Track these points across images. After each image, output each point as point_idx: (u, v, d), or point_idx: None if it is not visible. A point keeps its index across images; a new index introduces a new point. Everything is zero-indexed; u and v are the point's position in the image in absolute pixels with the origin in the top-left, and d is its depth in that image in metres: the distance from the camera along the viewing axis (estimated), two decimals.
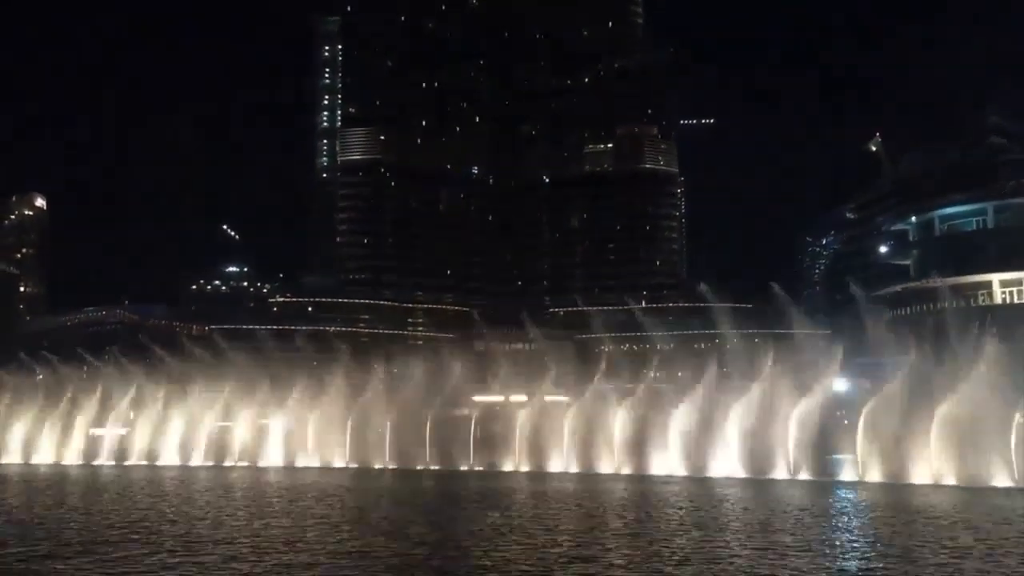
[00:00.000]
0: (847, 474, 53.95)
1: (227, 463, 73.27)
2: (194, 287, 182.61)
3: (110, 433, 79.56)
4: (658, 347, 70.48)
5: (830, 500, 42.78)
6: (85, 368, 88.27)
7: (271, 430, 74.49)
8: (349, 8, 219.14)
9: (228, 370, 76.80)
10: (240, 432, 75.18)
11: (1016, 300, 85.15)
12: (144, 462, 75.80)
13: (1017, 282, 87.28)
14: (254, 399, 74.41)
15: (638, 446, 60.43)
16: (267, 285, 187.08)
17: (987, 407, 49.20)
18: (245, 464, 72.25)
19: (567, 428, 63.01)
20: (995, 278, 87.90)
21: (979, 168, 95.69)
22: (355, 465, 68.37)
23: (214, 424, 75.62)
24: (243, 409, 75.20)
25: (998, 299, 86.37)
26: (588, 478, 56.78)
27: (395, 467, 66.67)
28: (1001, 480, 48.82)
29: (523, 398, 71.60)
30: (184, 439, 76.07)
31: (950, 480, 49.96)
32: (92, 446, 79.87)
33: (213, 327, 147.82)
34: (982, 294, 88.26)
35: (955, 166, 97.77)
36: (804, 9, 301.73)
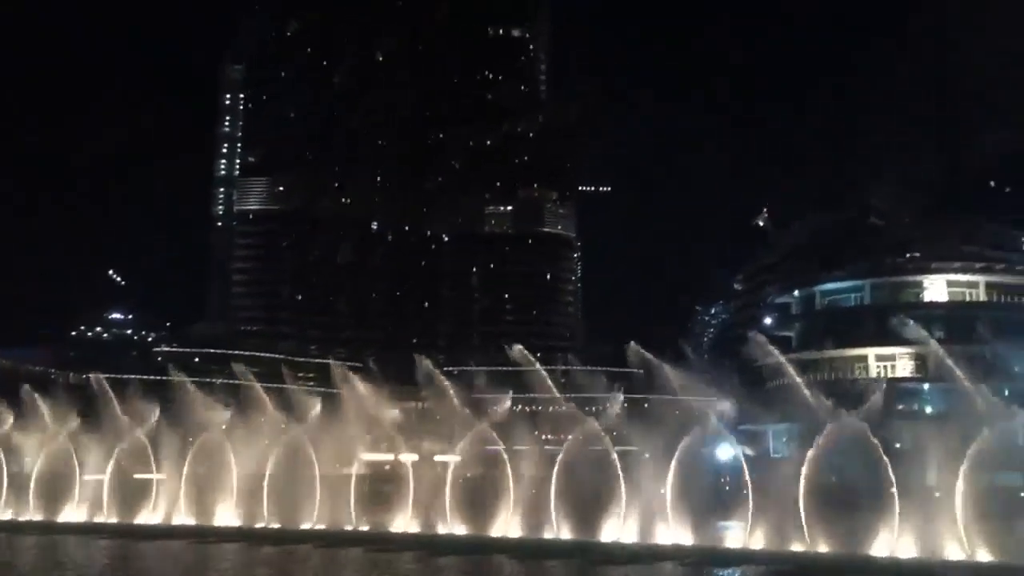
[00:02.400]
0: (734, 541, 54.84)
1: (98, 519, 69.72)
2: (74, 333, 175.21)
3: None
4: (550, 409, 70.63)
5: None
6: None
7: (149, 485, 71.32)
8: (253, 58, 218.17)
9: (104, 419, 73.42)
10: (113, 486, 71.69)
11: (890, 374, 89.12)
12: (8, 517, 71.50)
13: (891, 357, 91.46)
14: (130, 451, 71.26)
15: (529, 509, 60.10)
16: (152, 334, 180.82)
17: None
18: (115, 521, 68.87)
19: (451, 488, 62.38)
20: (871, 352, 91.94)
21: (859, 246, 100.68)
22: (237, 524, 65.95)
23: (85, 477, 71.97)
24: (118, 461, 71.88)
25: (873, 373, 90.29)
26: (477, 541, 56.14)
27: (277, 526, 64.57)
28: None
29: (413, 457, 70.66)
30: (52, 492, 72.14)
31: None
32: None
33: (91, 375, 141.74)
34: (859, 367, 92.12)
35: (836, 243, 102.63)
36: (701, 88, 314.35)
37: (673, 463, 55.18)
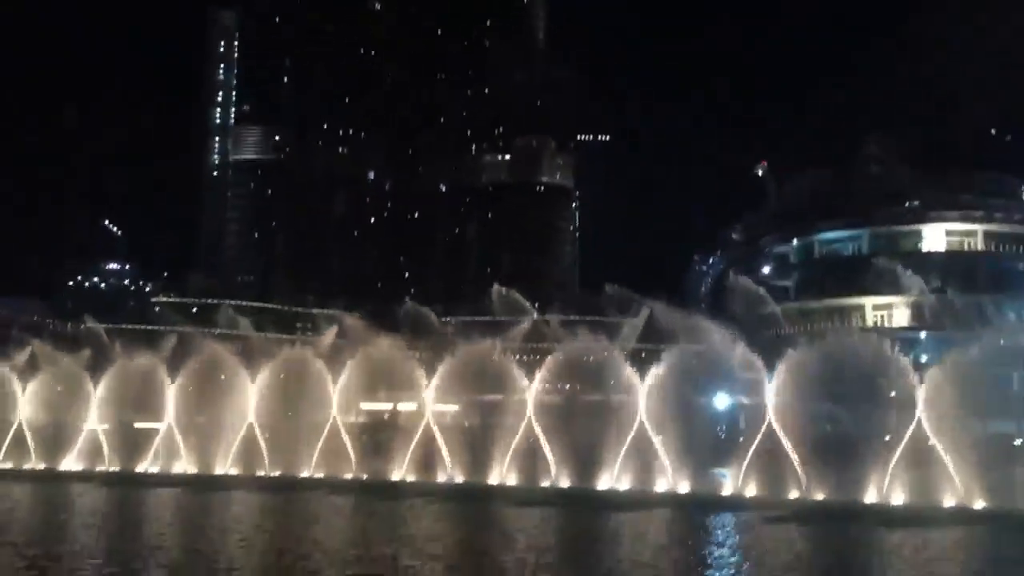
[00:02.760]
0: (728, 488, 55.33)
1: (99, 468, 70.21)
2: (71, 283, 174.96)
3: None
4: (548, 359, 70.79)
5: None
6: None
7: (150, 434, 71.70)
8: (247, 3, 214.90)
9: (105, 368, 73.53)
10: (114, 435, 72.11)
11: (886, 324, 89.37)
12: (10, 465, 72.01)
13: (888, 306, 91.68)
14: (131, 401, 71.55)
15: (526, 458, 60.52)
16: (149, 284, 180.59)
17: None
18: (116, 470, 69.34)
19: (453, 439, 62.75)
20: (868, 302, 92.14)
21: (858, 196, 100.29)
22: (236, 472, 66.45)
23: (86, 427, 72.31)
24: (119, 410, 72.21)
25: (870, 322, 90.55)
26: (478, 489, 56.69)
27: (277, 474, 65.08)
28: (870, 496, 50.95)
29: (412, 407, 70.95)
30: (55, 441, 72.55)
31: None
32: None
33: (89, 325, 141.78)
34: (856, 316, 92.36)
35: (835, 192, 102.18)
36: (701, 35, 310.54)
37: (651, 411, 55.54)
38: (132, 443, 71.62)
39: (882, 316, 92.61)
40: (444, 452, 60.82)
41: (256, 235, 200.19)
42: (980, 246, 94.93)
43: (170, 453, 69.50)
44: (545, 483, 57.50)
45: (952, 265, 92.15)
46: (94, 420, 72.01)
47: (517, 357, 69.36)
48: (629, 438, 56.44)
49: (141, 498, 49.85)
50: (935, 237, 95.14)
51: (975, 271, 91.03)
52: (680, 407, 57.02)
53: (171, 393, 69.71)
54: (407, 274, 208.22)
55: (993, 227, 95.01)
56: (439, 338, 68.29)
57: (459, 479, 60.37)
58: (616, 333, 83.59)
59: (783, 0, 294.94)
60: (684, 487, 54.25)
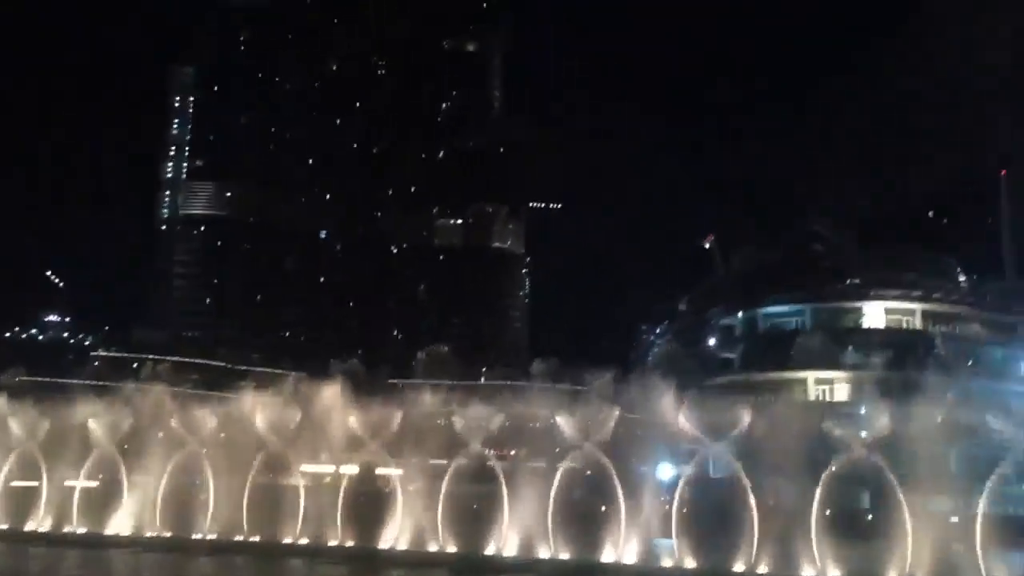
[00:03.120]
0: (666, 559, 55.20)
1: (28, 528, 67.70)
2: (7, 334, 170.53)
3: None
4: (496, 424, 70.52)
5: None
6: None
7: (78, 492, 69.46)
8: (205, 61, 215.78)
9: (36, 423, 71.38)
10: (44, 494, 69.74)
11: (828, 398, 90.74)
12: None
13: (829, 380, 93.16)
14: (62, 458, 69.41)
15: (471, 525, 59.89)
16: (90, 337, 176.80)
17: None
18: (45, 530, 66.94)
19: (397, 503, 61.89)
20: (810, 376, 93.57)
21: (801, 272, 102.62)
22: (168, 534, 64.55)
23: (11, 484, 69.94)
24: (49, 468, 69.96)
25: (812, 395, 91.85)
26: (416, 556, 55.83)
27: (213, 538, 63.34)
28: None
29: (354, 469, 69.90)
30: None
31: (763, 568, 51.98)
32: None
33: (24, 378, 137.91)
34: (798, 390, 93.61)
35: (779, 268, 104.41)
36: (652, 109, 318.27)
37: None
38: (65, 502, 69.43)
39: (824, 390, 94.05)
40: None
41: (204, 290, 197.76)
42: (919, 324, 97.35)
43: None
44: (490, 551, 56.96)
45: (892, 342, 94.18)
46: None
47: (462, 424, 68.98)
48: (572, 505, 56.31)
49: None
50: (875, 314, 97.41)
51: (914, 348, 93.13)
52: (624, 476, 57.09)
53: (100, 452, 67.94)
54: (359, 331, 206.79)
55: (931, 307, 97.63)
56: (386, 400, 67.43)
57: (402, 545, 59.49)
58: (565, 401, 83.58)
59: (733, 74, 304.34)
60: (631, 557, 54.07)
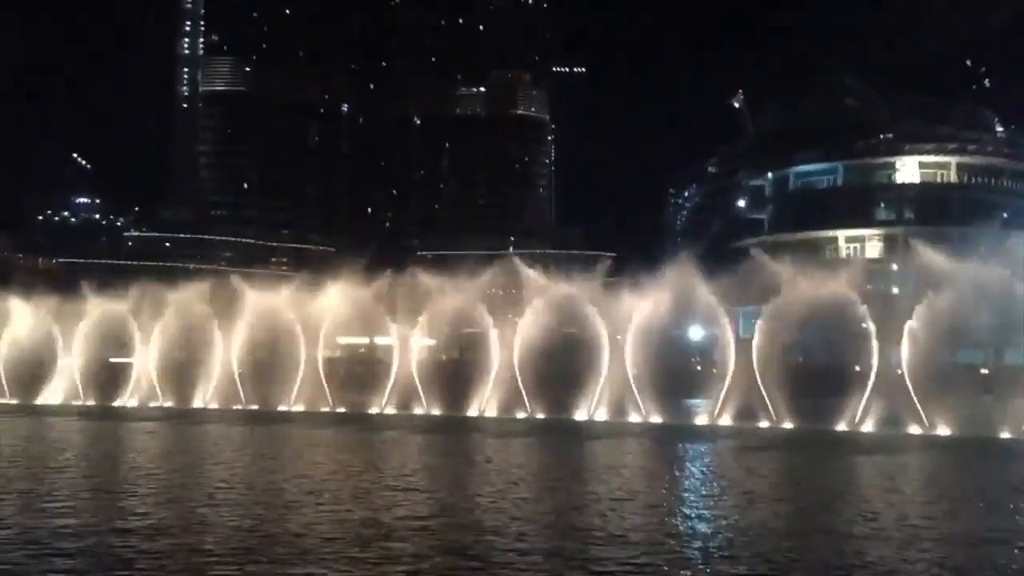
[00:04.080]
0: (701, 419, 56.38)
1: (77, 402, 70.29)
2: (40, 217, 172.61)
3: None
4: (523, 292, 71.14)
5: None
6: None
7: (129, 368, 71.78)
8: None
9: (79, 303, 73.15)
10: (91, 370, 72.08)
11: (858, 255, 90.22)
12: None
13: (860, 239, 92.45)
14: (108, 336, 71.38)
15: (504, 390, 61.19)
16: (121, 218, 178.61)
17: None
18: (92, 404, 69.45)
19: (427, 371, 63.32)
20: (841, 234, 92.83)
21: (832, 128, 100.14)
22: (215, 406, 66.75)
23: (67, 361, 72.24)
24: (95, 346, 72.03)
25: (843, 254, 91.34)
26: (455, 421, 57.44)
27: (256, 408, 65.43)
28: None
29: (389, 341, 71.27)
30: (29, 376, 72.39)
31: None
32: None
33: (61, 260, 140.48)
34: (829, 249, 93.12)
35: (810, 125, 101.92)
36: None
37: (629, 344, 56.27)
38: (109, 379, 71.71)
39: (855, 248, 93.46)
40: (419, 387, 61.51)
41: (228, 167, 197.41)
42: (953, 178, 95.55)
43: (148, 389, 69.69)
44: (522, 415, 58.41)
45: (926, 197, 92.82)
46: (72, 355, 71.91)
47: (491, 292, 69.66)
48: (604, 372, 57.30)
49: (118, 431, 49.91)
50: (909, 169, 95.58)
51: (948, 203, 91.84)
52: (656, 340, 57.77)
53: (146, 331, 69.57)
54: (382, 205, 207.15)
55: (966, 159, 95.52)
56: (414, 271, 68.06)
57: (436, 412, 61.15)
58: (591, 266, 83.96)
59: None
60: (659, 418, 55.31)
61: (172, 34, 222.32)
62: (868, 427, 50.04)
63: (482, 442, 45.08)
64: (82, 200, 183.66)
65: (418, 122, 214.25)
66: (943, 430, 48.08)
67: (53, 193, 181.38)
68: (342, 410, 63.14)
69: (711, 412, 55.26)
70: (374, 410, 62.58)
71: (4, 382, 73.13)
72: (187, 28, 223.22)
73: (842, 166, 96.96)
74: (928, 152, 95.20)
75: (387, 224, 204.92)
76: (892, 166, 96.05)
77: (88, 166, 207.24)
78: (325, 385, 64.50)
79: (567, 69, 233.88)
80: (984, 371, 63.23)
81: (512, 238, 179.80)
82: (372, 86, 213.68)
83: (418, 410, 61.53)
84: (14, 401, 71.19)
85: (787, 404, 52.13)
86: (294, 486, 27.48)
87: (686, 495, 28.21)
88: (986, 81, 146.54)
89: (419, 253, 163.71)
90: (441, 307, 63.77)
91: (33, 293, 76.19)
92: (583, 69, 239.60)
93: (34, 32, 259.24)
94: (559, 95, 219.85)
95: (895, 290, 69.66)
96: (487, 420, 57.27)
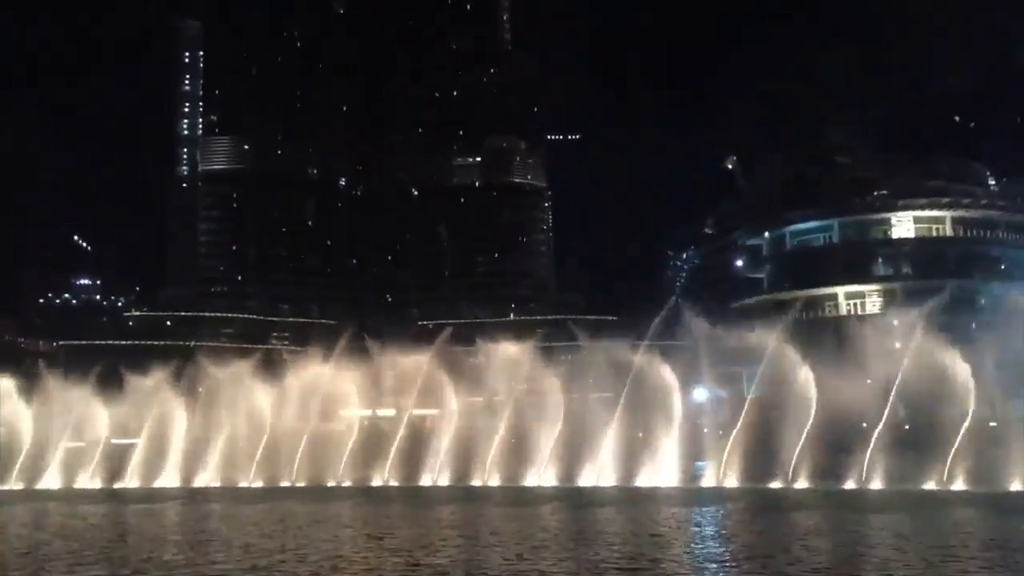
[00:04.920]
0: (708, 480, 55.91)
1: (78, 485, 69.63)
2: (40, 300, 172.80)
3: None
4: (525, 360, 71.14)
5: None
6: None
7: (130, 449, 71.32)
8: (210, 13, 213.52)
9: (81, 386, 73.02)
10: (96, 452, 71.63)
11: (859, 312, 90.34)
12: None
13: (860, 295, 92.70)
14: (112, 416, 71.12)
15: (508, 458, 60.87)
16: (121, 299, 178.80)
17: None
18: (99, 486, 68.84)
19: (438, 441, 62.98)
20: (840, 291, 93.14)
21: (826, 186, 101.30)
22: (218, 484, 66.17)
23: (65, 444, 71.78)
24: (100, 427, 71.72)
25: (843, 310, 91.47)
26: (461, 491, 56.87)
27: (261, 485, 64.85)
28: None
29: (391, 412, 71.12)
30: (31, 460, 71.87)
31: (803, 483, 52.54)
32: None
33: (62, 343, 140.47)
34: (829, 306, 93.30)
35: (804, 183, 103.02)
36: (668, 31, 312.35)
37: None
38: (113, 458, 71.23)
39: (855, 304, 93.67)
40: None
41: (228, 245, 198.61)
42: (949, 232, 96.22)
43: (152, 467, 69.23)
44: (531, 483, 57.87)
45: (922, 251, 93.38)
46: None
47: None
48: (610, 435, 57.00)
49: (126, 513, 49.31)
50: (904, 224, 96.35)
51: (945, 257, 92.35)
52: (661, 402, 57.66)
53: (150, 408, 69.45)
54: (382, 277, 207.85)
55: (961, 213, 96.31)
56: (417, 345, 68.34)
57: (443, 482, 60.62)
58: (594, 331, 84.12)
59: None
60: (667, 481, 54.81)
61: (171, 115, 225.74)
62: (877, 483, 49.68)
63: (497, 512, 44.46)
64: (82, 282, 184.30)
65: (415, 193, 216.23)
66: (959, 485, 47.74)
67: (53, 275, 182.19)
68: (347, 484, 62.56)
69: (719, 473, 54.85)
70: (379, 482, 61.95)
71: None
72: (186, 109, 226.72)
73: (837, 223, 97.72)
74: (922, 207, 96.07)
75: (387, 295, 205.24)
76: (888, 222, 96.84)
77: (88, 247, 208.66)
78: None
79: (562, 136, 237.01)
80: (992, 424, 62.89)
81: (513, 305, 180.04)
82: (368, 159, 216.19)
83: (425, 481, 60.88)
84: (18, 487, 70.60)
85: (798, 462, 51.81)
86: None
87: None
88: (974, 133, 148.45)
89: (420, 323, 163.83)
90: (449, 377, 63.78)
91: (35, 377, 76.15)
92: (577, 136, 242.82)
93: (31, 116, 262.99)
94: (555, 162, 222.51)
95: (896, 344, 69.57)
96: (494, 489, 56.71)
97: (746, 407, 55.84)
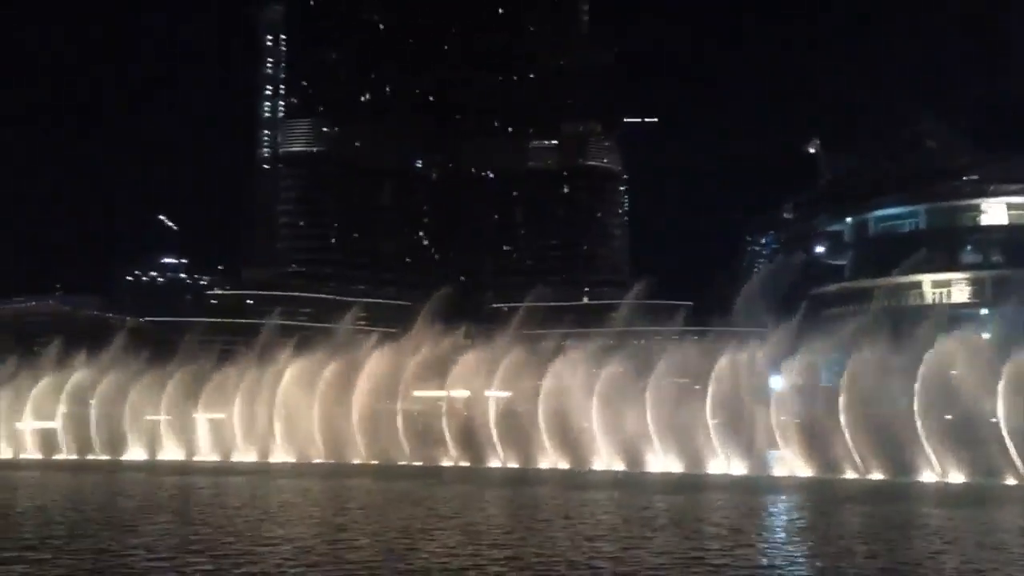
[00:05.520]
0: (780, 469, 54.90)
1: (159, 457, 71.93)
2: (129, 278, 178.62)
3: (36, 426, 77.54)
4: (600, 344, 70.77)
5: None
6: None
7: (210, 424, 73.43)
8: None
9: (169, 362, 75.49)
10: (176, 426, 73.89)
11: (945, 300, 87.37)
12: (74, 456, 74.14)
13: (946, 283, 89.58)
14: (195, 392, 73.28)
15: (577, 442, 60.71)
16: (205, 277, 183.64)
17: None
18: (177, 459, 71.00)
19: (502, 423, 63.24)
20: (926, 278, 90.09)
21: (913, 171, 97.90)
22: (291, 459, 67.56)
23: (154, 418, 74.31)
24: (183, 402, 73.96)
25: (929, 299, 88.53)
26: (522, 473, 56.95)
27: (330, 461, 65.98)
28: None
29: (465, 394, 71.46)
30: (117, 433, 74.48)
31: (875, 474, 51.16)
32: (19, 440, 77.98)
33: (149, 319, 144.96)
34: (914, 294, 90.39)
35: (889, 169, 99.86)
36: (744, 9, 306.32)
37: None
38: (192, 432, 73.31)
39: (941, 293, 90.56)
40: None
41: (307, 227, 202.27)
42: None
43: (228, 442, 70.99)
44: (598, 466, 57.58)
45: (1014, 239, 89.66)
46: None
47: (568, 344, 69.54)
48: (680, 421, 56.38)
49: (195, 485, 50.67)
50: (995, 211, 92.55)
51: None
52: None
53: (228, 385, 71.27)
54: (456, 260, 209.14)
55: None
56: (493, 327, 68.62)
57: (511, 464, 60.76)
58: (670, 315, 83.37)
59: None
60: (740, 469, 53.97)
61: (253, 98, 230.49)
62: (957, 477, 48.09)
63: (553, 497, 44.27)
64: (168, 260, 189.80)
65: (491, 176, 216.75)
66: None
67: (140, 254, 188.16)
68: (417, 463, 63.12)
69: (793, 462, 53.77)
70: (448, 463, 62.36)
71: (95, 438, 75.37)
72: (268, 92, 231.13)
73: (924, 209, 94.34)
74: (1014, 193, 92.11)
75: (462, 277, 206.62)
76: (977, 208, 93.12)
77: (174, 227, 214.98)
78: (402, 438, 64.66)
79: (639, 119, 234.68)
80: None
81: (587, 289, 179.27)
82: (445, 143, 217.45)
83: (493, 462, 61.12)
84: (104, 457, 73.26)
85: (871, 454, 50.49)
86: None
87: None
88: None
89: (494, 305, 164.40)
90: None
91: (125, 352, 78.73)
92: (655, 119, 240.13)
93: (124, 102, 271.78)
94: (631, 145, 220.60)
95: (985, 335, 67.00)
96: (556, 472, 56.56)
97: (822, 396, 54.51)
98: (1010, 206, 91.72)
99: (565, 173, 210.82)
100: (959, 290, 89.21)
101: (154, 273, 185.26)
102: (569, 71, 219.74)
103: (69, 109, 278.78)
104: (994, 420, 48.79)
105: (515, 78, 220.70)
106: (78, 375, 76.53)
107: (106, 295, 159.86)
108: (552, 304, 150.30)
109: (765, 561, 23.90)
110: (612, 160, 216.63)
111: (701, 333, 77.72)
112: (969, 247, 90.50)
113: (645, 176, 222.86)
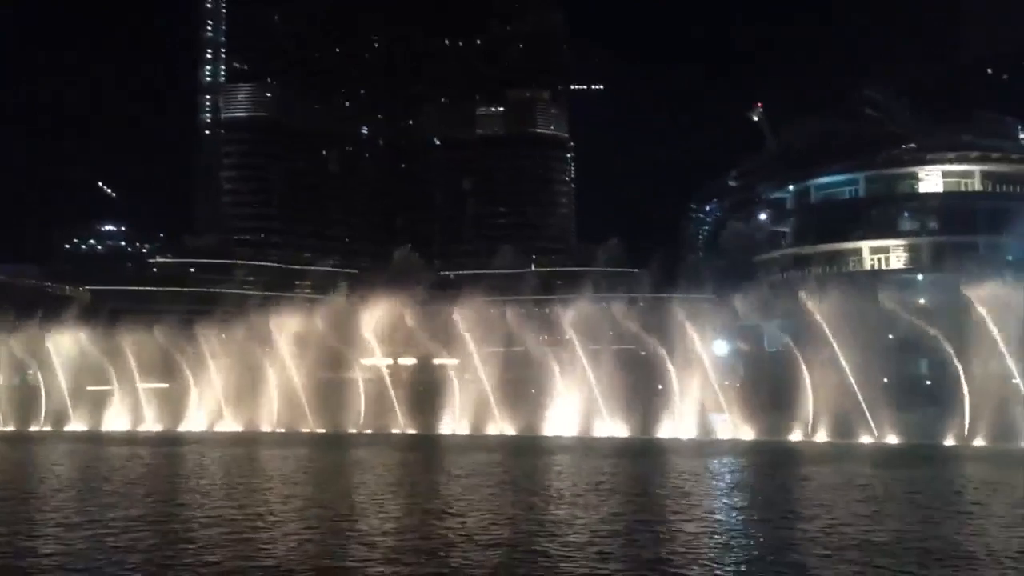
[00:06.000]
0: (724, 432, 56.12)
1: (104, 428, 70.93)
2: (67, 246, 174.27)
3: None
4: (547, 310, 71.33)
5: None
6: None
7: (153, 394, 72.50)
8: None
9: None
10: (118, 397, 72.84)
11: (883, 266, 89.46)
12: (13, 428, 72.82)
13: (884, 249, 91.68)
14: (139, 362, 72.25)
15: (526, 408, 61.30)
16: (147, 245, 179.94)
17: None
18: (122, 429, 70.10)
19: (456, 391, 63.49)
20: (865, 245, 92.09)
21: (854, 140, 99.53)
22: (240, 429, 67.16)
23: (97, 388, 73.19)
24: (122, 373, 72.87)
25: (867, 265, 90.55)
26: (473, 439, 57.39)
27: (283, 431, 65.76)
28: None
29: (412, 361, 71.58)
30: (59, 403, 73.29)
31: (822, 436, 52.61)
32: None
33: (88, 288, 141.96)
34: (853, 260, 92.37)
35: (831, 137, 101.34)
36: None
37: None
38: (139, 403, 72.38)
39: (879, 259, 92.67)
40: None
41: (251, 193, 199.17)
42: (978, 187, 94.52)
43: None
44: (549, 432, 58.23)
45: (949, 206, 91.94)
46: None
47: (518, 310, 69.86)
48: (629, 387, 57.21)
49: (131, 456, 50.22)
50: (933, 179, 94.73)
51: (973, 213, 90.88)
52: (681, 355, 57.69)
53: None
54: (404, 226, 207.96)
55: (990, 167, 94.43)
56: (438, 294, 68.62)
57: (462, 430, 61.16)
58: (616, 283, 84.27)
59: None
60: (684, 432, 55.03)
61: (194, 62, 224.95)
62: (892, 439, 49.61)
63: (512, 461, 44.84)
64: (108, 228, 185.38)
65: (438, 143, 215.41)
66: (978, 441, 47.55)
67: (79, 222, 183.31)
68: (368, 431, 63.20)
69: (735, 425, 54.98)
70: (395, 430, 62.52)
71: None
72: (208, 56, 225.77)
73: (864, 177, 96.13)
74: (951, 161, 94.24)
75: (409, 245, 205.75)
76: (915, 176, 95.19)
77: (113, 194, 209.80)
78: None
79: (585, 87, 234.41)
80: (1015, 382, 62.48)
81: (534, 256, 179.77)
82: (392, 109, 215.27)
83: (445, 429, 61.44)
84: (47, 428, 72.04)
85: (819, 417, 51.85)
86: None
87: None
88: (1009, 90, 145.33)
89: (441, 273, 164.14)
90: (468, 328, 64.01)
91: (62, 322, 77.20)
92: (601, 86, 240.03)
93: (59, 64, 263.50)
94: (578, 113, 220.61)
95: (921, 301, 68.95)
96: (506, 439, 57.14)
97: (764, 361, 55.73)
98: (946, 174, 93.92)
99: (513, 140, 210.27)
100: (897, 256, 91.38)
101: (94, 241, 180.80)
102: (516, 37, 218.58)
103: (2, 74, 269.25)
104: (928, 384, 50.43)
105: (461, 44, 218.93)
106: (17, 345, 75.00)
107: (45, 264, 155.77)
108: (500, 272, 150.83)
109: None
110: (559, 127, 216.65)
111: (647, 300, 78.63)
112: (907, 214, 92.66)
113: (592, 143, 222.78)
